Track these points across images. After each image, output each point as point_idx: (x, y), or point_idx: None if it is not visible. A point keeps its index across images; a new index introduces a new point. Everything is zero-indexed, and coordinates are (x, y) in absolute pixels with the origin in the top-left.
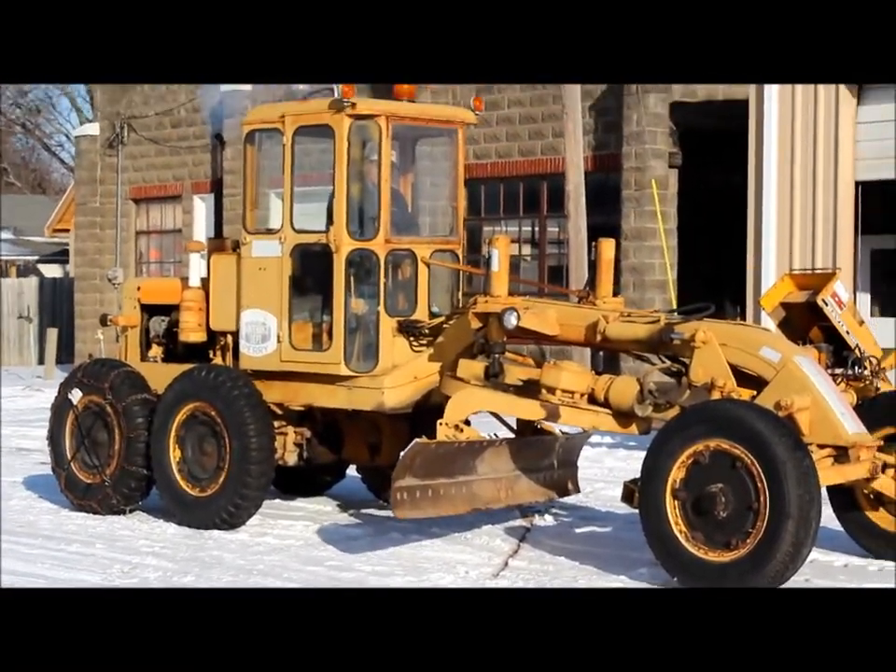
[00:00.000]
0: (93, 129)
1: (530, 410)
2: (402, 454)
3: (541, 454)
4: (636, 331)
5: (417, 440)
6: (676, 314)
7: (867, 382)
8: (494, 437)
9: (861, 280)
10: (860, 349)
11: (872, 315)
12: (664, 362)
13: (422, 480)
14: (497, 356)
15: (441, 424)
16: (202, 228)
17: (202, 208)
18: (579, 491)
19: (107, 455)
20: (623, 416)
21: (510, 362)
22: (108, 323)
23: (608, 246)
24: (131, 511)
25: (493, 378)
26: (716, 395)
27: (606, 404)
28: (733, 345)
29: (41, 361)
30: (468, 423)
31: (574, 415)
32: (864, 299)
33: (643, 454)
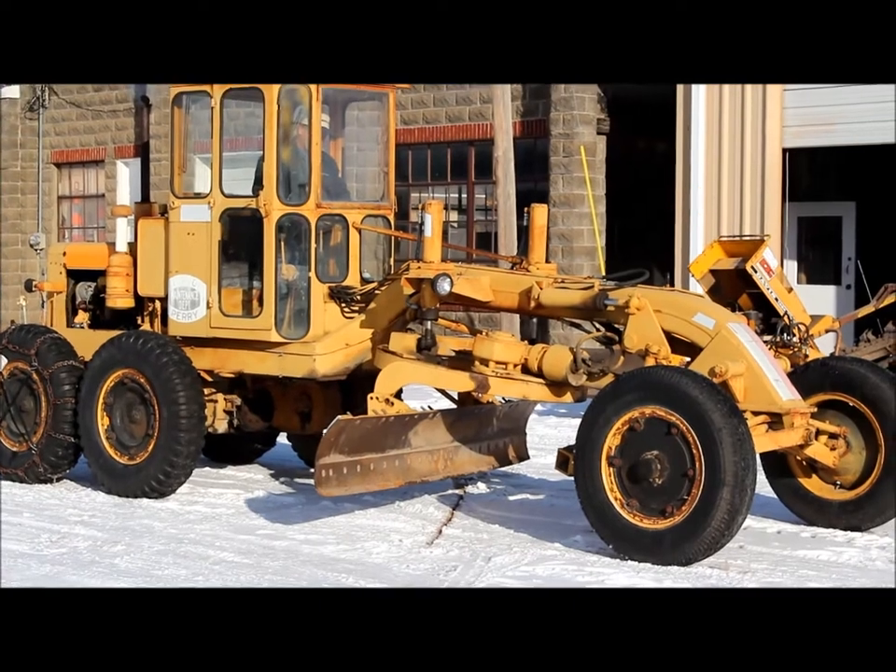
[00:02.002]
0: (13, 91)
1: (459, 381)
2: (325, 431)
3: (481, 423)
4: (570, 298)
5: (340, 416)
6: (610, 280)
7: (796, 349)
8: (427, 409)
9: (789, 247)
10: (788, 316)
11: (799, 282)
12: (597, 329)
13: (348, 456)
14: (429, 323)
15: (371, 398)
16: (125, 193)
17: (125, 173)
18: (526, 458)
19: (34, 422)
20: (558, 385)
21: (442, 331)
22: (34, 289)
23: (540, 212)
24: (58, 480)
25: (425, 350)
26: (650, 361)
27: (540, 374)
28: (667, 312)
29: None
30: (399, 396)
31: (503, 386)
32: (792, 266)
33: (574, 421)
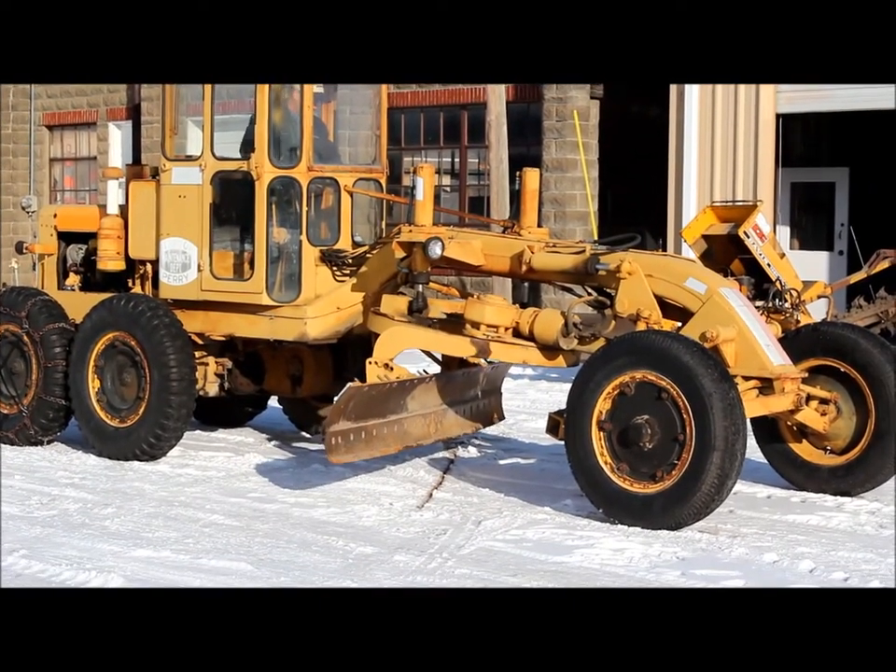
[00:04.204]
0: None
1: (461, 347)
2: (336, 398)
3: (467, 385)
4: (561, 262)
5: (351, 384)
6: (602, 245)
7: (788, 314)
8: (423, 373)
9: (782, 212)
10: (780, 282)
11: (791, 247)
12: (589, 293)
13: (355, 422)
14: (421, 286)
15: (370, 363)
16: (117, 155)
17: (117, 135)
18: (503, 418)
19: (24, 384)
20: (550, 349)
21: (434, 294)
22: (25, 251)
23: (532, 177)
24: (49, 442)
25: (416, 313)
26: (641, 326)
27: (531, 338)
28: (658, 276)
29: None
30: None
31: (505, 351)
32: (784, 231)
33: (565, 385)
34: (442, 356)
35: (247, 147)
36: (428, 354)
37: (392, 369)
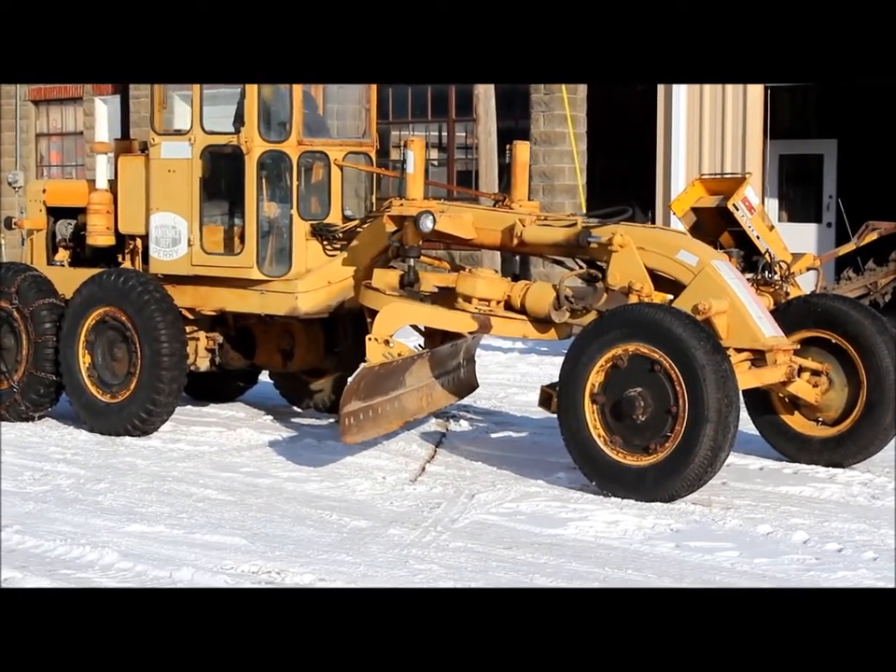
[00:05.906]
0: None
1: (461, 322)
2: (350, 380)
3: (452, 356)
4: (552, 235)
5: (364, 364)
6: (593, 217)
7: (777, 286)
8: (420, 348)
9: (770, 185)
10: (770, 254)
11: (780, 220)
12: (580, 267)
13: (364, 402)
14: (412, 260)
15: (370, 339)
16: (104, 130)
17: (103, 110)
18: (478, 385)
19: (15, 360)
20: (542, 322)
21: (424, 269)
22: (13, 226)
23: (522, 149)
24: (40, 418)
25: (408, 287)
26: (633, 299)
27: (522, 311)
28: (650, 249)
29: None
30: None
31: (504, 325)
32: (773, 204)
33: (556, 359)
34: (425, 327)
35: (240, 121)
36: (414, 327)
37: (392, 345)
